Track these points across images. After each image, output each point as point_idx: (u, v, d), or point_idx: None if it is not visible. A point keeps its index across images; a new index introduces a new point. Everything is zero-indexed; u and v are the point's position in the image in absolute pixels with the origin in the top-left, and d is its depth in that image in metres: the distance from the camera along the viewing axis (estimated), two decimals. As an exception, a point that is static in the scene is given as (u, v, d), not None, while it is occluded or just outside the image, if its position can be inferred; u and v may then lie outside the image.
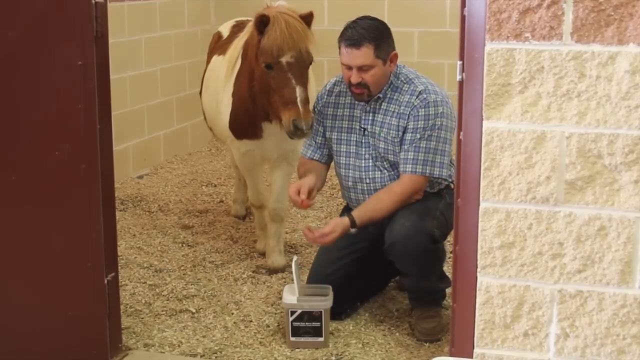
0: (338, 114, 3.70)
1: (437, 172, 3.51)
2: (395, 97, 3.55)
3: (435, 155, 3.49)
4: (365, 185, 3.63)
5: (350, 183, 3.69)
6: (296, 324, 3.45)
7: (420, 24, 6.51)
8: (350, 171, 3.67)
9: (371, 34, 3.44)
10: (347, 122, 3.67)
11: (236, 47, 4.26)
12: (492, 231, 2.21)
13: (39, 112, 3.01)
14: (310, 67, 3.85)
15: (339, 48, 3.51)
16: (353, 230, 3.51)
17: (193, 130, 6.85)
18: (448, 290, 3.66)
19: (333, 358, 3.39)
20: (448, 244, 4.23)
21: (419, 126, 3.48)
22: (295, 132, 3.63)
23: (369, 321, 3.72)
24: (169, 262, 4.41)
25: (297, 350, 3.45)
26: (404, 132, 3.51)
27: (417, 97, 3.51)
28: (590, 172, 2.11)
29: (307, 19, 3.75)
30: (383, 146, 3.57)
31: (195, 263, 4.39)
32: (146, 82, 6.17)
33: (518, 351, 2.26)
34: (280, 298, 3.70)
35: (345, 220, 3.50)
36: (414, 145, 3.48)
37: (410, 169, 3.49)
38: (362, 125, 3.62)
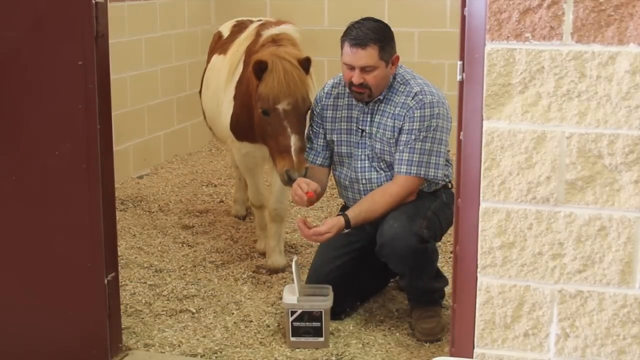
0: (337, 115, 3.70)
1: (432, 174, 3.51)
2: (391, 98, 3.56)
3: (430, 157, 3.49)
4: (361, 185, 3.64)
5: (347, 183, 3.69)
6: (296, 324, 3.45)
7: (420, 24, 6.51)
8: (347, 171, 3.67)
9: (377, 34, 3.44)
10: (345, 123, 3.67)
11: (237, 50, 4.26)
12: (492, 231, 2.21)
13: (39, 112, 3.01)
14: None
15: (342, 47, 3.50)
16: (347, 230, 3.52)
17: (193, 130, 6.85)
18: (448, 290, 3.66)
19: (333, 358, 3.39)
20: (448, 244, 4.25)
21: (414, 127, 3.48)
22: (289, 181, 3.66)
23: (369, 321, 3.72)
24: (169, 262, 4.41)
25: (297, 350, 3.45)
26: (399, 133, 3.51)
27: (412, 99, 3.51)
28: (591, 172, 2.11)
29: (305, 64, 3.74)
30: (379, 147, 3.57)
31: (196, 263, 4.39)
32: (146, 82, 6.18)
33: (518, 351, 2.26)
34: (281, 298, 3.70)
35: (341, 220, 3.50)
36: (409, 146, 3.48)
37: (405, 170, 3.49)
38: (360, 127, 3.62)
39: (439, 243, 3.81)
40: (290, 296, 3.47)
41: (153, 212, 5.23)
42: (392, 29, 3.58)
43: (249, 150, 4.14)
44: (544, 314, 2.21)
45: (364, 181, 3.63)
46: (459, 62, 2.24)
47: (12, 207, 3.09)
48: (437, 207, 3.58)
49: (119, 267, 3.47)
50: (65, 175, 3.05)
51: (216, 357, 3.39)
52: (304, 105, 3.72)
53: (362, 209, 3.53)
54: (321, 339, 3.46)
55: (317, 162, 3.76)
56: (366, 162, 3.62)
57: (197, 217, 5.15)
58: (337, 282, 3.59)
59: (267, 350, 3.44)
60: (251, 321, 3.71)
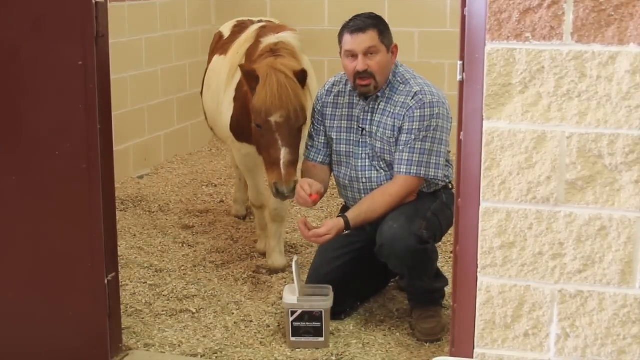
0: (337, 113, 3.70)
1: (433, 174, 3.51)
2: (391, 97, 3.56)
3: (431, 157, 3.49)
4: (361, 184, 3.64)
5: (346, 182, 3.69)
6: (297, 324, 3.45)
7: (420, 24, 6.51)
8: (347, 170, 3.67)
9: (374, 21, 3.51)
10: (346, 121, 3.67)
11: (238, 52, 4.26)
12: (492, 231, 2.21)
13: (39, 112, 3.01)
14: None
15: (341, 42, 3.54)
16: (347, 232, 3.53)
17: (193, 130, 6.85)
18: (448, 290, 3.66)
19: (333, 358, 3.39)
20: (448, 244, 4.25)
21: (414, 127, 3.49)
22: (277, 194, 3.67)
23: (369, 321, 3.72)
24: (169, 262, 4.41)
25: (297, 350, 3.45)
26: (399, 133, 3.52)
27: (412, 98, 3.51)
28: (591, 172, 2.11)
29: (300, 76, 3.70)
30: (380, 146, 3.58)
31: (196, 263, 4.39)
32: (146, 82, 6.18)
33: (518, 351, 2.26)
34: (281, 298, 3.70)
35: (341, 222, 3.51)
36: (409, 146, 3.49)
37: (405, 170, 3.49)
38: (361, 125, 3.62)
39: (439, 243, 3.81)
40: (291, 296, 3.47)
41: (153, 212, 5.23)
42: (392, 29, 3.60)
43: (249, 150, 4.14)
44: (544, 314, 2.21)
45: (364, 180, 3.63)
46: (459, 62, 2.24)
47: (12, 207, 3.09)
48: (437, 207, 3.58)
49: (119, 267, 3.47)
50: (65, 175, 3.05)
51: (216, 357, 3.39)
52: (297, 118, 3.67)
53: (362, 210, 3.54)
54: (321, 339, 3.46)
55: (319, 159, 3.76)
56: (366, 161, 3.62)
57: (197, 217, 5.15)
58: (337, 282, 3.59)
59: (267, 350, 3.44)
60: (251, 321, 3.71)
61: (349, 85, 3.67)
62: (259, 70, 3.71)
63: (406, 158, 3.49)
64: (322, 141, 3.76)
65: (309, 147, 3.80)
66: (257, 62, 3.90)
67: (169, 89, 6.48)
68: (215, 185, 5.85)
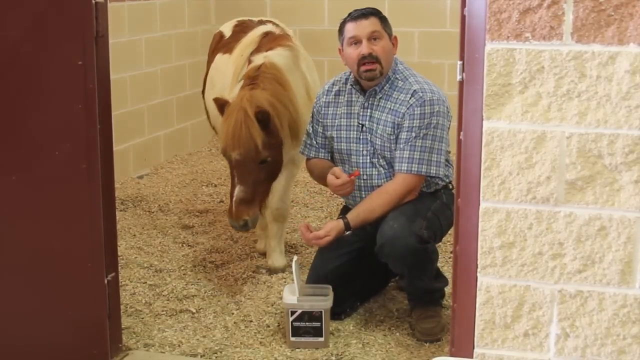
0: (337, 112, 3.71)
1: (434, 171, 3.51)
2: (391, 94, 3.57)
3: (432, 154, 3.50)
4: (362, 181, 3.64)
5: None
6: (296, 324, 3.45)
7: (420, 24, 6.51)
8: (348, 168, 3.68)
9: (374, 10, 3.59)
10: (345, 119, 3.68)
11: (242, 54, 4.28)
12: (492, 231, 2.21)
13: (39, 112, 3.01)
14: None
15: (343, 32, 3.58)
16: (347, 233, 3.53)
17: (193, 130, 6.85)
18: (448, 290, 3.66)
19: (333, 358, 3.39)
20: (448, 244, 4.25)
21: (414, 125, 3.49)
22: (231, 225, 3.90)
23: (369, 321, 3.72)
24: (169, 262, 4.41)
25: (297, 350, 3.45)
26: (399, 131, 3.52)
27: (412, 96, 3.52)
28: (591, 172, 2.11)
29: (260, 116, 3.71)
30: (380, 143, 3.58)
31: (196, 263, 4.39)
32: (146, 82, 6.17)
33: (518, 351, 2.26)
34: (281, 298, 3.70)
35: (340, 223, 3.52)
36: (409, 144, 3.49)
37: (405, 168, 3.50)
38: (360, 122, 3.63)
39: (439, 243, 3.81)
40: (291, 296, 3.47)
41: (153, 212, 5.23)
42: (393, 29, 3.62)
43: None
44: (544, 314, 2.21)
45: (364, 177, 3.63)
46: (459, 62, 2.24)
47: (12, 207, 3.09)
48: (437, 207, 3.58)
49: (119, 267, 3.47)
50: (65, 175, 3.05)
51: (216, 357, 3.39)
52: (253, 157, 3.74)
53: (361, 210, 3.54)
54: (321, 339, 3.46)
55: (321, 155, 3.81)
56: (367, 158, 3.62)
57: (197, 217, 5.15)
58: (337, 282, 3.59)
59: (267, 350, 3.44)
60: (251, 321, 3.71)
61: (349, 84, 3.68)
62: (229, 105, 3.80)
63: (407, 156, 3.49)
64: (320, 142, 3.78)
65: (307, 146, 3.81)
66: (243, 89, 3.93)
67: (168, 89, 6.48)
68: (215, 185, 5.85)
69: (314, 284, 3.61)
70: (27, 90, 3.01)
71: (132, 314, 3.77)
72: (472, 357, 2.30)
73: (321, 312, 3.44)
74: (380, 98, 3.58)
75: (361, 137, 3.63)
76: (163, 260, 4.43)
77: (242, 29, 4.61)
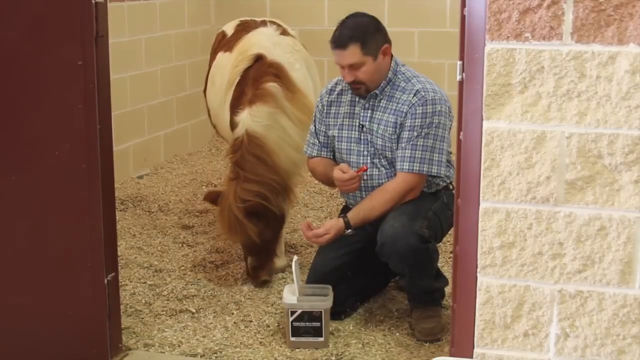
0: (339, 111, 3.72)
1: (436, 170, 3.51)
2: (393, 95, 3.57)
3: (433, 153, 3.50)
4: (363, 181, 3.64)
5: None
6: (296, 324, 3.45)
7: (420, 24, 6.50)
8: (351, 167, 3.68)
9: (356, 33, 3.47)
10: (347, 119, 3.68)
11: (241, 53, 4.28)
12: (492, 231, 2.20)
13: (39, 112, 3.01)
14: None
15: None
16: (348, 231, 3.53)
17: (193, 130, 6.85)
18: (448, 290, 3.66)
19: (333, 358, 3.39)
20: (448, 244, 4.25)
21: (416, 124, 3.49)
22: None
23: (369, 321, 3.72)
24: (169, 262, 4.41)
25: (297, 350, 3.45)
26: (401, 130, 3.52)
27: (414, 96, 3.52)
28: (591, 172, 2.11)
29: (253, 209, 3.90)
30: (381, 143, 3.58)
31: (195, 263, 4.39)
32: (146, 82, 6.17)
33: (518, 351, 2.26)
34: (280, 298, 3.70)
35: (340, 222, 3.53)
36: (411, 143, 3.49)
37: (407, 167, 3.50)
38: (361, 122, 3.63)
39: (439, 243, 3.81)
40: (290, 296, 3.47)
41: (153, 212, 5.23)
42: (392, 29, 3.61)
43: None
44: (544, 314, 2.21)
45: (365, 177, 3.63)
46: (459, 62, 2.24)
47: (12, 207, 3.08)
48: (438, 207, 3.58)
49: (119, 267, 3.47)
50: (65, 175, 3.05)
51: (216, 357, 3.39)
52: (252, 243, 3.97)
53: (361, 208, 3.55)
54: (321, 339, 3.46)
55: (323, 154, 3.80)
56: (368, 158, 3.62)
57: (197, 217, 5.14)
58: (337, 282, 3.59)
59: (267, 350, 3.44)
60: (251, 321, 3.71)
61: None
62: (220, 197, 3.99)
63: (408, 155, 3.50)
64: (322, 141, 3.78)
65: (310, 145, 3.82)
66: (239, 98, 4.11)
67: (168, 89, 6.48)
68: (215, 186, 5.84)
69: (314, 284, 3.61)
70: (27, 90, 3.01)
71: (132, 314, 3.76)
72: (472, 357, 2.30)
73: (321, 312, 3.44)
74: (380, 99, 3.59)
75: (362, 137, 3.63)
76: (163, 260, 4.43)
77: (244, 28, 4.63)
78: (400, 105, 3.54)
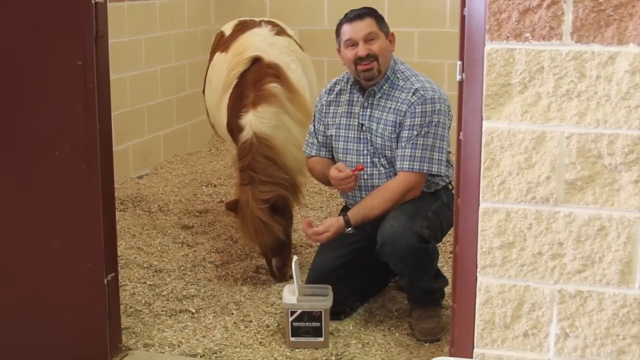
0: (338, 111, 3.72)
1: (436, 169, 3.52)
2: (392, 93, 3.57)
3: (433, 152, 3.50)
4: (362, 181, 3.64)
5: None
6: (296, 324, 3.45)
7: (420, 24, 6.51)
8: (348, 167, 3.68)
9: (370, 10, 3.60)
10: (345, 118, 3.68)
11: (236, 56, 4.28)
12: (492, 231, 2.20)
13: (39, 112, 3.01)
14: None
15: (340, 34, 3.59)
16: (349, 230, 3.54)
17: (193, 131, 6.85)
18: (448, 290, 3.66)
19: (333, 358, 3.39)
20: (448, 244, 4.25)
21: (415, 123, 3.50)
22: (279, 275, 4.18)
23: (369, 321, 3.72)
24: (168, 262, 4.41)
25: (297, 350, 3.45)
26: (400, 129, 3.52)
27: (413, 94, 3.53)
28: (590, 172, 2.11)
29: (276, 205, 3.93)
30: (380, 142, 3.58)
31: (195, 263, 4.39)
32: (146, 82, 6.18)
33: (518, 351, 2.26)
34: (280, 298, 3.70)
35: (340, 220, 3.53)
36: (411, 142, 3.49)
37: (407, 166, 3.50)
38: (360, 121, 3.63)
39: (439, 243, 3.81)
40: (290, 296, 3.47)
41: (153, 212, 5.23)
42: (392, 29, 3.63)
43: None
44: (544, 314, 2.21)
45: (365, 176, 3.63)
46: (459, 62, 2.24)
47: (12, 207, 3.08)
48: (438, 207, 3.58)
49: (119, 267, 3.47)
50: (65, 175, 3.05)
51: (216, 357, 3.39)
52: (275, 244, 4.01)
53: (362, 207, 3.55)
54: (321, 339, 3.46)
55: (322, 154, 3.81)
56: (368, 157, 3.63)
57: (197, 217, 5.14)
58: (337, 282, 3.59)
59: (267, 350, 3.44)
60: (251, 321, 3.71)
61: (350, 83, 3.69)
62: (239, 205, 3.96)
63: (408, 154, 3.50)
64: (321, 140, 3.78)
65: (309, 144, 3.83)
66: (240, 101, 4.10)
67: (168, 89, 6.48)
68: (215, 186, 5.85)
69: (314, 284, 3.61)
70: (27, 90, 3.01)
71: (132, 314, 3.76)
72: (471, 357, 2.30)
73: (321, 312, 3.44)
74: (379, 98, 3.59)
75: (361, 136, 3.64)
76: (163, 261, 4.43)
77: (242, 27, 4.64)
78: (399, 104, 3.55)
